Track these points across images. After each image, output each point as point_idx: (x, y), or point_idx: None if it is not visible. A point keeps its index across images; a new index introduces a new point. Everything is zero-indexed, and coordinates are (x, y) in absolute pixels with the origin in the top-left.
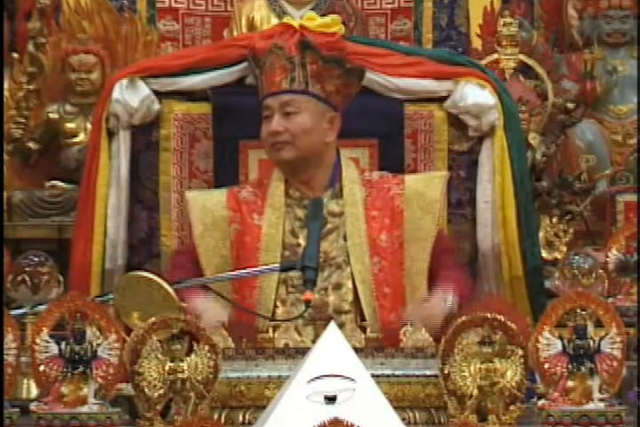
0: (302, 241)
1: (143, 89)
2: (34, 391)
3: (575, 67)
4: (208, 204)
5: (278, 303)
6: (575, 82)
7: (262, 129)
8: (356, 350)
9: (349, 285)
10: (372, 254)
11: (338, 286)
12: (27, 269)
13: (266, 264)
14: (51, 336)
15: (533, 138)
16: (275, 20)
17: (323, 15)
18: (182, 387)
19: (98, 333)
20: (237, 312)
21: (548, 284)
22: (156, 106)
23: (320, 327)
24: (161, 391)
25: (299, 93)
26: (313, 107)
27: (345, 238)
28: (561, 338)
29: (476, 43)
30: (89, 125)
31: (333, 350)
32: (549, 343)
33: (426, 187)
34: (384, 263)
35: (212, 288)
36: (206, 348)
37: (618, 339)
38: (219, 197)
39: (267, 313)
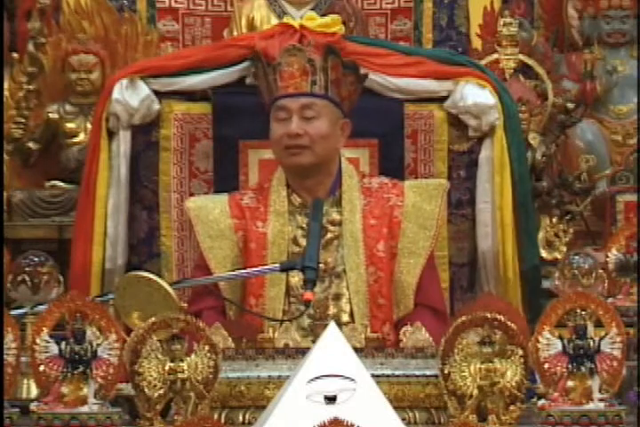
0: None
1: (143, 89)
2: (34, 391)
3: (575, 67)
4: (211, 216)
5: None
6: (575, 82)
7: (275, 129)
8: (356, 350)
9: (348, 295)
10: (368, 264)
11: (337, 297)
12: (27, 269)
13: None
14: (51, 336)
15: (533, 138)
16: (275, 20)
17: (323, 15)
18: (182, 387)
19: (98, 333)
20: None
21: (547, 284)
22: (156, 106)
23: (320, 328)
24: (161, 391)
25: (319, 97)
26: (330, 112)
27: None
28: (561, 338)
29: (476, 43)
30: (89, 125)
31: (333, 350)
32: (549, 343)
33: (424, 201)
34: (380, 274)
35: (220, 294)
36: (206, 348)
37: (618, 339)
38: (221, 206)
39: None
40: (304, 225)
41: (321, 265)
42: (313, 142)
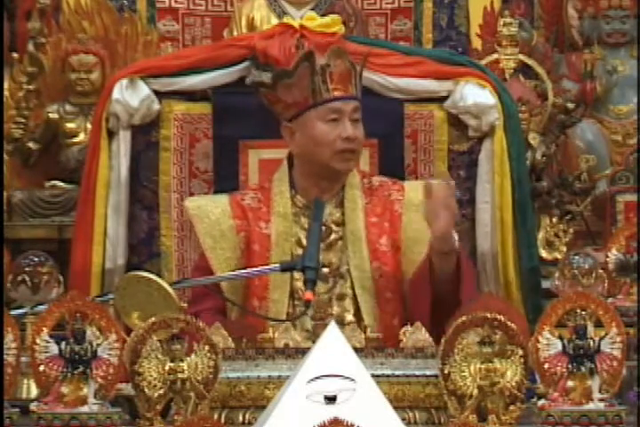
0: None
1: (143, 89)
2: (34, 391)
3: (575, 67)
4: (212, 216)
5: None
6: (575, 82)
7: (324, 130)
8: (356, 350)
9: (352, 295)
10: (372, 260)
11: (341, 297)
12: (27, 269)
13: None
14: (51, 336)
15: (533, 138)
16: (275, 20)
17: (323, 15)
18: (182, 387)
19: (98, 333)
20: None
21: (548, 284)
22: (156, 106)
23: (320, 328)
24: (161, 391)
25: (359, 101)
26: None
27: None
28: (561, 338)
29: (476, 43)
30: (89, 125)
31: (333, 350)
32: (549, 343)
33: None
34: (385, 268)
35: (222, 294)
36: (206, 348)
37: (618, 339)
38: (222, 206)
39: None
40: (308, 227)
41: (325, 268)
42: (360, 146)
